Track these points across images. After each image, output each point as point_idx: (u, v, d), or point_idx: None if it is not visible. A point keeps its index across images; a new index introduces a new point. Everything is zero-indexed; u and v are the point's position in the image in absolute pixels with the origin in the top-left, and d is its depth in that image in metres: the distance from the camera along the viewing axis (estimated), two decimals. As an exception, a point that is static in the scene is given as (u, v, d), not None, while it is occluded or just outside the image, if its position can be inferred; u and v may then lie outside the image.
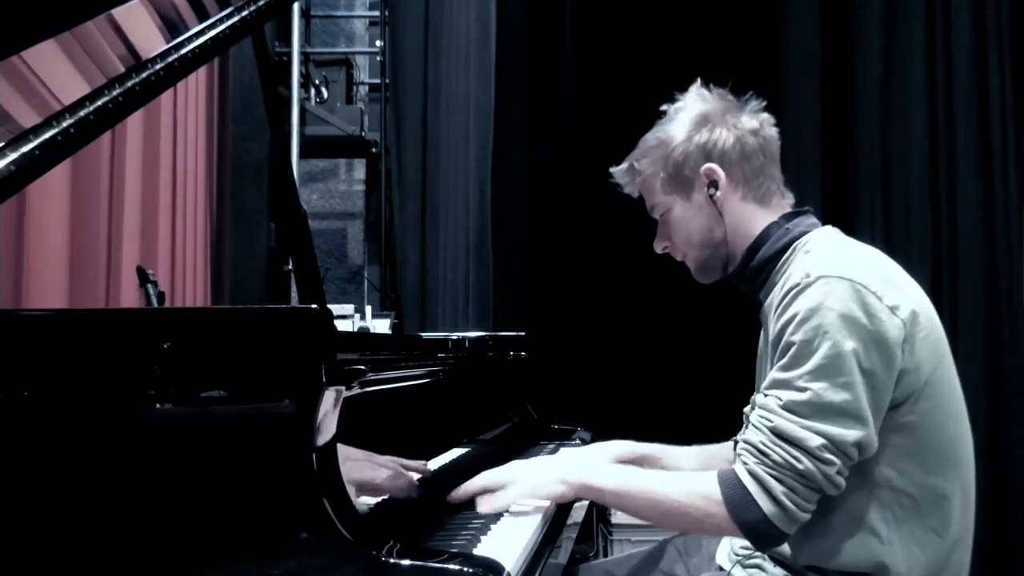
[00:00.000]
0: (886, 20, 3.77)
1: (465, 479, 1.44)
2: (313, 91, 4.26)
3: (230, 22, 1.30)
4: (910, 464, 1.38)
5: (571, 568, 1.75)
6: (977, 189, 3.64)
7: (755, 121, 1.55)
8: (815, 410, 1.32)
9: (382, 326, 3.47)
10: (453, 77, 3.92)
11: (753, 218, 1.54)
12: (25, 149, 0.99)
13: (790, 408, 1.34)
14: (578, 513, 1.66)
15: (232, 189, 3.59)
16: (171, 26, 1.33)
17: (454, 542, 1.23)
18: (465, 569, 0.98)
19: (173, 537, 1.00)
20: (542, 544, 1.30)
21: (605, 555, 3.23)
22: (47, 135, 1.01)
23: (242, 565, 1.00)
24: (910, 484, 1.38)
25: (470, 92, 3.88)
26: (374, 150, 4.28)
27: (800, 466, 1.32)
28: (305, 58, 4.26)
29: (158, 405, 1.01)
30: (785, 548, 1.46)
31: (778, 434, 1.34)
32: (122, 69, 1.15)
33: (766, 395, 1.38)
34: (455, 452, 1.77)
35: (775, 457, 1.33)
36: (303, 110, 4.11)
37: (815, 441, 1.31)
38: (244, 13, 1.33)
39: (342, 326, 2.87)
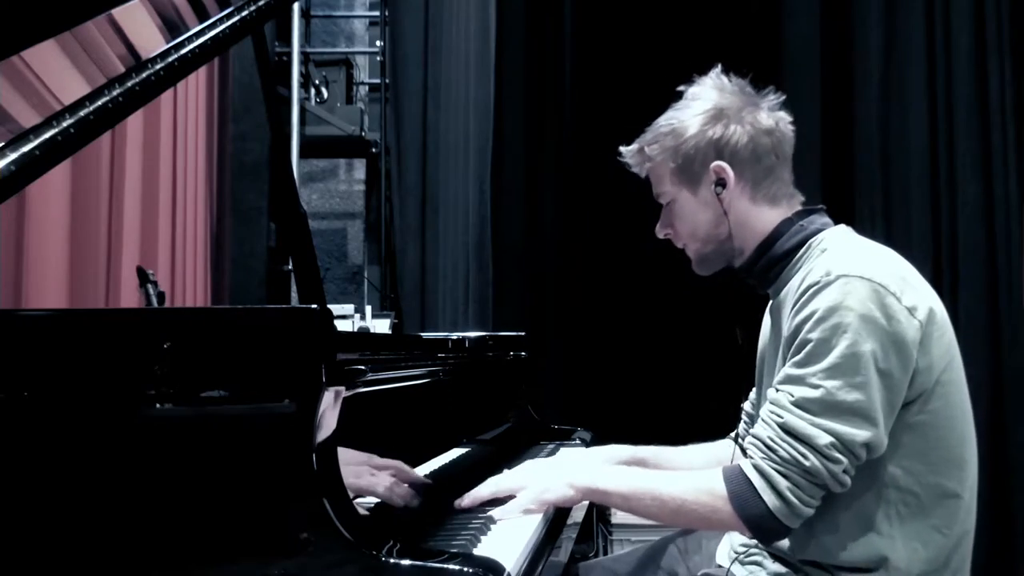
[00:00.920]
0: (886, 20, 3.77)
1: (465, 479, 1.44)
2: (313, 91, 4.26)
3: (230, 22, 1.30)
4: (918, 463, 1.39)
5: (571, 567, 1.75)
6: (977, 189, 3.64)
7: (771, 119, 1.53)
8: (826, 408, 1.32)
9: (382, 326, 3.47)
10: (453, 77, 3.92)
11: (762, 216, 1.52)
12: (25, 149, 0.99)
13: (801, 405, 1.34)
14: (578, 513, 1.66)
15: (232, 189, 3.59)
16: (171, 26, 1.33)
17: (454, 542, 1.23)
18: (465, 569, 0.98)
19: (174, 537, 1.00)
20: (542, 544, 1.30)
21: (605, 555, 3.23)
22: (47, 135, 1.01)
23: (242, 565, 1.00)
24: (916, 483, 1.39)
25: (470, 92, 3.88)
26: (374, 150, 4.28)
27: (806, 463, 1.32)
28: (305, 58, 4.26)
29: (158, 405, 1.01)
30: (786, 543, 1.46)
31: (787, 430, 1.34)
32: (122, 69, 1.15)
33: (778, 390, 1.38)
34: (455, 452, 1.77)
35: (782, 453, 1.33)
36: (303, 110, 4.11)
37: (824, 439, 1.31)
38: (244, 13, 1.33)
39: (342, 326, 2.86)
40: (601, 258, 3.95)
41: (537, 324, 3.77)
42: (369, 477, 1.27)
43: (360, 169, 4.47)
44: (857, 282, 1.34)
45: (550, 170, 3.95)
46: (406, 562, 0.97)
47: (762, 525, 1.35)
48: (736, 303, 1.85)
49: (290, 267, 3.89)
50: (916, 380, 1.36)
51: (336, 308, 3.31)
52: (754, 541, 1.56)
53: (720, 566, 1.60)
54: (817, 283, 1.36)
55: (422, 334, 3.33)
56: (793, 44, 3.83)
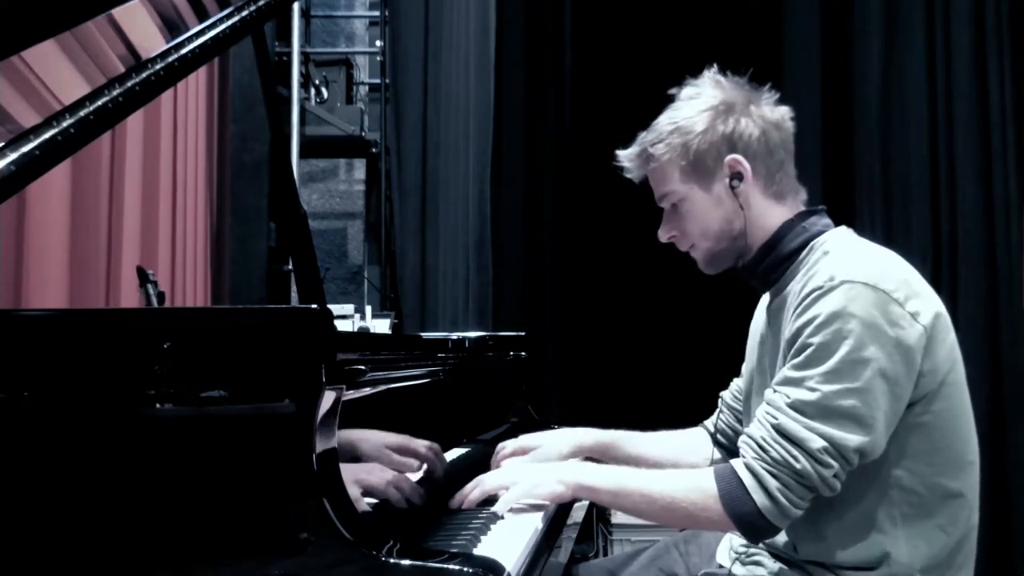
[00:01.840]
0: (886, 20, 3.77)
1: (465, 479, 1.44)
2: (313, 91, 4.26)
3: (230, 22, 1.30)
4: (921, 464, 1.39)
5: (570, 567, 1.75)
6: (977, 189, 3.64)
7: (777, 114, 1.52)
8: (821, 412, 1.32)
9: (382, 326, 3.47)
10: (453, 77, 3.92)
11: (770, 213, 1.51)
12: (25, 149, 0.99)
13: (797, 407, 1.34)
14: (578, 513, 1.66)
15: (232, 189, 3.59)
16: (171, 26, 1.33)
17: (454, 542, 1.23)
18: (465, 569, 0.98)
19: (174, 537, 1.00)
20: (542, 544, 1.30)
21: (605, 555, 3.23)
22: (47, 135, 1.01)
23: (242, 565, 1.00)
24: (920, 484, 1.39)
25: (470, 92, 3.88)
26: (374, 150, 4.28)
27: (797, 465, 1.32)
28: (305, 58, 4.26)
29: (158, 405, 1.01)
30: (788, 542, 1.47)
31: (780, 432, 1.34)
32: (122, 69, 1.15)
33: (775, 391, 1.38)
34: (455, 452, 1.77)
35: (773, 454, 1.34)
36: (303, 110, 4.11)
37: (816, 443, 1.31)
38: (244, 13, 1.33)
39: (342, 326, 2.87)
40: (601, 258, 3.95)
41: (537, 324, 3.77)
42: (380, 473, 1.28)
43: (360, 169, 4.47)
44: (860, 288, 1.34)
45: (550, 170, 3.95)
46: (406, 562, 0.97)
47: (751, 523, 1.35)
48: (736, 302, 1.85)
49: (290, 267, 3.89)
50: (920, 382, 1.36)
51: (336, 308, 3.31)
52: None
53: (721, 566, 1.60)
54: (820, 288, 1.35)
55: (422, 334, 3.33)
56: (793, 44, 3.83)
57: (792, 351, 1.38)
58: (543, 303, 3.89)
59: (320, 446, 1.01)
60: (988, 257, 3.61)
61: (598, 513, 3.30)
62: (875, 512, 1.38)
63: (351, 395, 1.13)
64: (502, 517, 1.37)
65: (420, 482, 1.42)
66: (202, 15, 1.32)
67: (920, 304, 1.37)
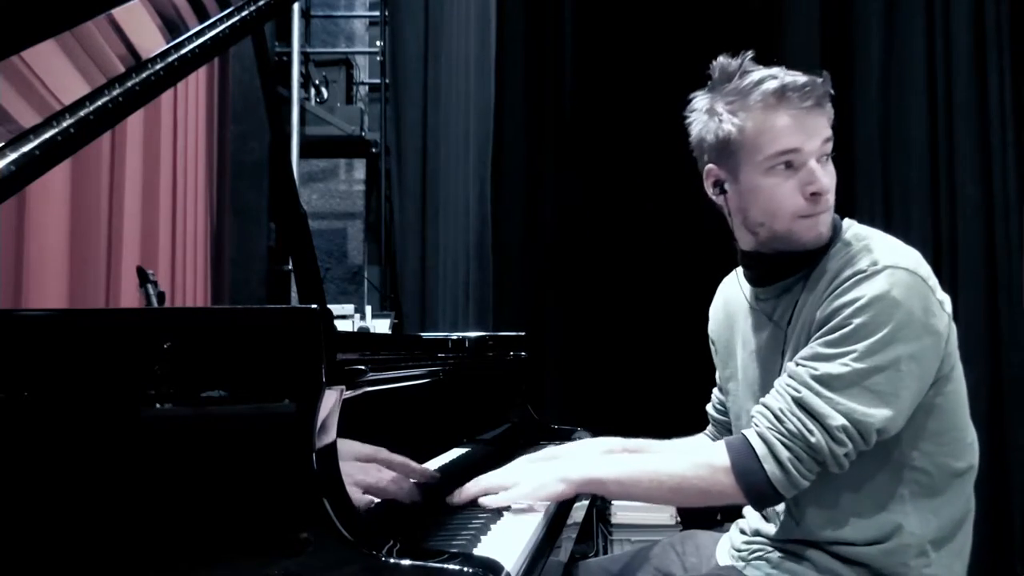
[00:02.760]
0: (886, 19, 3.77)
1: (465, 479, 1.44)
2: (313, 91, 4.26)
3: (230, 22, 1.30)
4: (931, 444, 1.43)
5: (570, 567, 1.75)
6: (977, 189, 3.64)
7: None
8: (849, 385, 1.35)
9: (382, 326, 3.47)
10: (453, 77, 3.92)
11: None
12: (25, 149, 0.99)
13: (823, 380, 1.36)
14: (578, 513, 1.66)
15: (232, 189, 3.59)
16: (171, 26, 1.33)
17: (454, 542, 1.23)
18: (465, 569, 0.98)
19: (173, 537, 1.00)
20: (542, 544, 1.30)
21: (605, 554, 3.23)
22: (47, 135, 1.01)
23: (242, 565, 1.00)
24: (929, 463, 1.43)
25: (470, 92, 3.88)
26: (374, 150, 4.28)
27: (812, 439, 1.34)
28: (305, 58, 4.26)
29: (158, 405, 1.01)
30: (796, 522, 1.48)
31: (801, 404, 1.36)
32: (122, 69, 1.15)
33: (800, 364, 1.40)
34: (455, 452, 1.77)
35: (789, 426, 1.36)
36: (303, 110, 4.12)
37: (836, 420, 1.34)
38: (244, 13, 1.33)
39: (342, 326, 2.87)
40: (601, 258, 3.95)
41: (537, 324, 3.77)
42: (376, 473, 1.27)
43: (360, 169, 4.48)
44: (903, 274, 1.38)
45: (550, 170, 3.95)
46: (406, 562, 0.97)
47: (760, 492, 1.38)
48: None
49: (290, 267, 3.89)
50: (939, 366, 1.41)
51: (336, 308, 3.32)
52: (757, 536, 1.57)
53: (732, 566, 1.60)
54: (864, 271, 1.38)
55: (422, 334, 3.33)
56: (793, 44, 3.83)
57: (825, 329, 1.39)
58: (543, 303, 3.89)
59: (320, 446, 1.01)
60: (988, 257, 3.61)
61: (598, 513, 3.30)
62: (887, 490, 1.42)
63: (351, 395, 1.13)
64: (502, 516, 1.37)
65: (420, 482, 1.42)
66: (202, 15, 1.32)
67: (943, 294, 1.43)
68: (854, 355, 1.35)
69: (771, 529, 1.55)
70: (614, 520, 3.27)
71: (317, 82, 4.27)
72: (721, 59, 1.50)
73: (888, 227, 3.89)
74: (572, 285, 3.93)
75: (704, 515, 2.42)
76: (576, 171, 3.93)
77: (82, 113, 1.05)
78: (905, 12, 3.76)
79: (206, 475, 1.00)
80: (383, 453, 1.30)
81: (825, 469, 1.37)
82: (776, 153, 1.43)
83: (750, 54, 1.50)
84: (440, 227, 3.88)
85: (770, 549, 1.53)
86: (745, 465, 1.37)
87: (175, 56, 1.19)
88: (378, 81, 4.24)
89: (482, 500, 1.38)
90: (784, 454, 1.35)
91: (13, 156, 0.98)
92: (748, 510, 1.62)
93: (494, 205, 3.84)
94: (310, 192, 4.44)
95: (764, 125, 1.43)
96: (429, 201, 3.92)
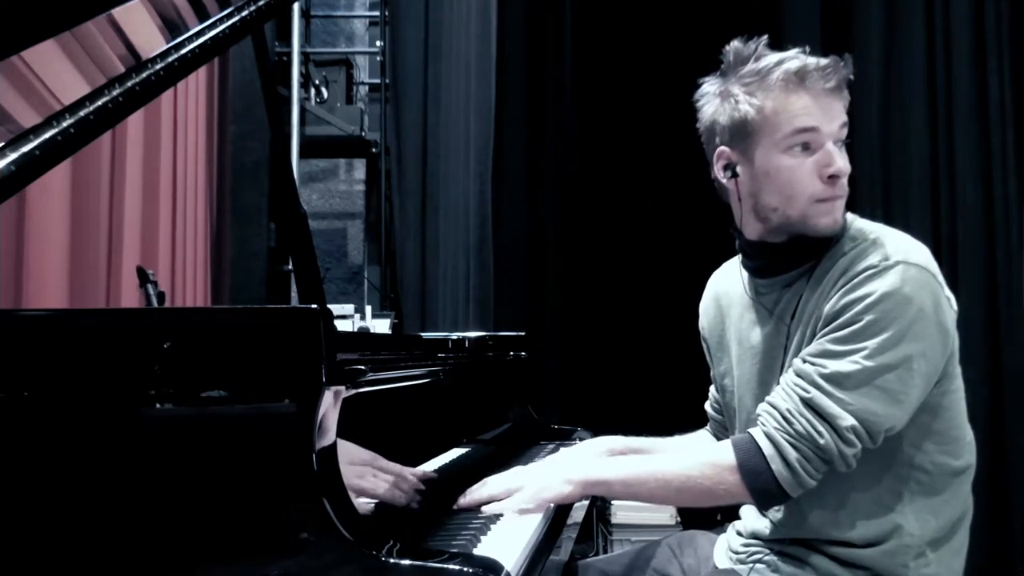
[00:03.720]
0: (886, 20, 3.77)
1: (465, 479, 1.44)
2: (313, 91, 4.26)
3: (230, 22, 1.30)
4: (930, 442, 1.42)
5: (570, 567, 1.75)
6: (977, 189, 3.64)
7: None
8: (860, 384, 1.33)
9: (382, 326, 3.47)
10: (453, 77, 3.92)
11: None
12: (25, 149, 0.99)
13: (834, 379, 1.34)
14: (578, 513, 1.66)
15: (232, 189, 3.59)
16: (171, 26, 1.33)
17: (454, 542, 1.22)
18: (465, 569, 0.98)
19: (173, 537, 1.00)
20: (542, 544, 1.30)
21: (605, 554, 3.23)
22: (47, 135, 1.01)
23: (242, 565, 1.00)
24: (929, 462, 1.42)
25: (470, 92, 3.88)
26: (374, 150, 4.28)
27: (821, 440, 1.34)
28: (305, 58, 4.26)
29: (158, 405, 1.01)
30: (795, 522, 1.48)
31: (809, 405, 1.35)
32: (122, 69, 1.15)
33: (808, 362, 1.38)
34: (455, 452, 1.77)
35: (798, 427, 1.35)
36: (303, 110, 4.12)
37: (846, 421, 1.33)
38: (244, 13, 1.33)
39: (342, 326, 2.86)
40: (601, 258, 3.95)
41: (537, 324, 3.77)
42: (371, 478, 1.27)
43: (360, 169, 4.48)
44: (915, 270, 1.36)
45: (550, 170, 3.95)
46: (406, 562, 0.97)
47: (766, 490, 1.37)
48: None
49: (290, 267, 3.89)
50: (946, 364, 1.40)
51: (336, 308, 3.32)
52: (754, 539, 1.56)
53: (732, 569, 1.59)
54: (875, 267, 1.37)
55: (422, 334, 3.32)
56: (793, 42, 3.82)
57: (833, 325, 1.38)
58: (543, 303, 3.89)
59: (320, 446, 1.01)
60: (988, 257, 3.61)
61: (598, 513, 3.30)
62: (887, 489, 1.42)
63: (351, 395, 1.13)
64: (502, 516, 1.37)
65: (421, 482, 1.42)
66: (202, 15, 1.32)
67: (949, 290, 1.41)
68: (865, 352, 1.34)
69: (768, 531, 1.54)
70: (614, 520, 3.27)
71: (317, 82, 4.27)
72: (735, 43, 1.49)
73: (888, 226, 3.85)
74: (572, 285, 3.93)
75: (704, 515, 2.41)
76: (576, 171, 3.93)
77: (82, 113, 1.05)
78: (905, 12, 3.76)
79: (206, 475, 1.00)
80: (379, 461, 1.30)
81: (833, 468, 1.36)
82: (795, 131, 1.42)
83: (764, 39, 1.49)
84: (440, 227, 3.88)
85: (767, 552, 1.53)
86: (752, 465, 1.36)
87: (175, 56, 1.19)
88: (378, 81, 4.24)
89: (489, 508, 1.38)
90: (792, 454, 1.34)
91: (13, 156, 0.98)
92: (745, 511, 1.61)
93: (494, 205, 3.84)
94: (310, 192, 4.44)
95: (784, 104, 1.42)
96: (429, 201, 3.91)
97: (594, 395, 3.78)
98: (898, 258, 1.36)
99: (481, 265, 3.82)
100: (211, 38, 1.26)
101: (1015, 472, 3.51)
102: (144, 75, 1.14)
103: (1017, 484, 3.51)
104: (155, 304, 2.08)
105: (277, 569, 0.98)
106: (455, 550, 1.12)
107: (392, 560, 0.97)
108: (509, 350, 2.26)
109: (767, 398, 1.42)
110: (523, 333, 2.33)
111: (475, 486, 1.42)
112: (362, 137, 4.26)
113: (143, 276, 2.12)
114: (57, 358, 1.04)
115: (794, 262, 1.49)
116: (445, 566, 0.98)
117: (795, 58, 1.44)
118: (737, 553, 1.58)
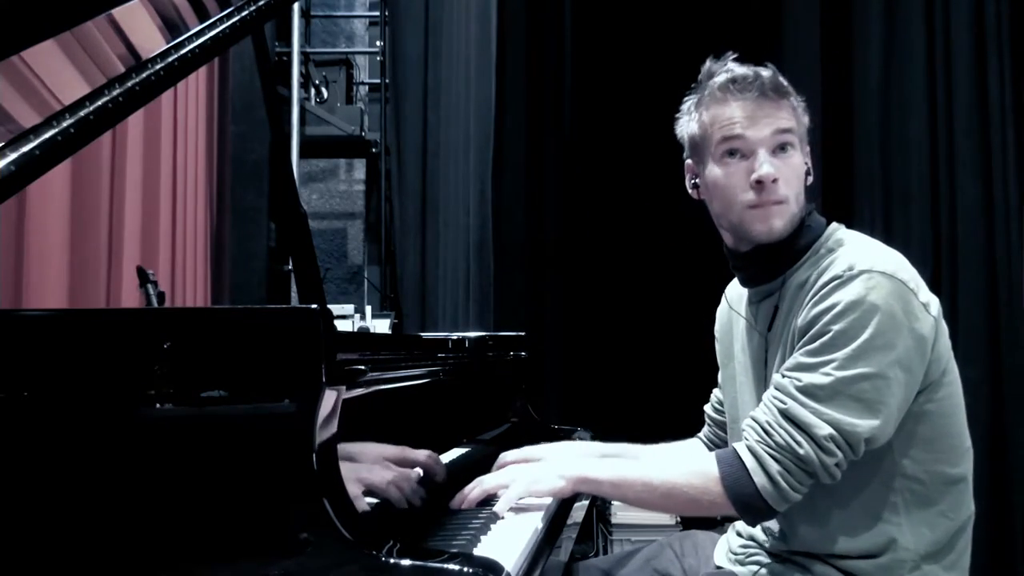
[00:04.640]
0: (886, 20, 3.77)
1: (465, 479, 1.44)
2: (313, 91, 4.26)
3: (230, 22, 1.30)
4: (923, 452, 1.41)
5: (570, 566, 1.75)
6: (977, 189, 3.64)
7: None
8: (833, 395, 1.33)
9: (382, 326, 3.47)
10: (453, 77, 3.92)
11: None
12: (25, 149, 0.99)
13: (808, 391, 1.34)
14: (578, 513, 1.66)
15: (232, 189, 3.59)
16: (171, 26, 1.33)
17: (454, 542, 1.23)
18: (465, 569, 0.98)
19: (173, 537, 1.00)
20: (542, 544, 1.30)
21: (605, 555, 3.23)
22: (47, 135, 1.01)
23: (242, 565, 1.00)
24: (922, 471, 1.41)
25: (470, 92, 3.88)
26: (374, 150, 4.28)
27: (800, 450, 1.33)
28: (305, 58, 4.26)
29: (158, 405, 1.01)
30: (781, 530, 1.47)
31: (787, 416, 1.35)
32: (122, 69, 1.15)
33: (785, 376, 1.39)
34: (455, 452, 1.77)
35: (777, 438, 1.35)
36: (303, 110, 4.11)
37: (823, 430, 1.32)
38: (244, 13, 1.33)
39: (342, 326, 2.86)
40: (601, 258, 3.95)
41: (537, 324, 3.77)
42: (371, 472, 1.27)
43: (360, 169, 4.48)
44: (880, 278, 1.35)
45: (550, 170, 3.95)
46: (406, 562, 0.97)
47: (750, 505, 1.37)
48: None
49: (290, 267, 3.89)
50: (928, 371, 1.39)
51: (336, 308, 3.32)
52: (752, 541, 1.57)
53: (719, 567, 1.60)
54: (840, 277, 1.37)
55: (422, 334, 3.32)
56: (793, 44, 3.83)
57: (806, 338, 1.38)
58: (543, 303, 3.89)
59: (320, 446, 1.01)
60: (988, 257, 3.61)
61: (598, 513, 3.30)
62: (879, 500, 1.40)
63: (351, 395, 1.13)
64: (502, 517, 1.37)
65: (420, 482, 1.42)
66: (202, 15, 1.32)
67: (928, 295, 1.40)
68: (835, 364, 1.34)
69: (765, 541, 1.54)
70: (614, 520, 3.28)
71: (317, 82, 4.27)
72: (708, 61, 1.54)
73: (888, 228, 3.90)
74: (572, 285, 3.93)
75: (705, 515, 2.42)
76: (576, 171, 3.93)
77: (82, 113, 1.05)
78: (905, 12, 3.76)
79: (206, 475, 1.00)
80: (380, 446, 1.30)
81: (817, 480, 1.36)
82: (721, 139, 1.47)
83: (732, 55, 1.53)
84: (440, 227, 3.88)
85: (765, 553, 1.53)
86: (735, 478, 1.36)
87: (175, 56, 1.19)
88: (378, 81, 4.24)
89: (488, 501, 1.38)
90: (774, 467, 1.34)
91: (13, 156, 0.98)
92: None
93: (494, 205, 3.84)
94: (310, 192, 4.44)
95: (714, 116, 1.48)
96: (429, 201, 3.92)
97: (594, 395, 3.78)
98: (863, 267, 1.36)
99: (481, 265, 3.82)
100: (211, 38, 1.26)
101: (1016, 472, 3.51)
102: (144, 75, 1.14)
103: (1018, 484, 3.51)
104: (155, 304, 2.08)
105: (277, 569, 0.98)
106: (455, 550, 1.12)
107: (392, 560, 0.97)
108: (509, 350, 2.26)
109: (751, 413, 1.43)
110: (523, 333, 2.34)
111: (469, 486, 1.43)
112: (362, 137, 4.26)
113: (143, 276, 2.12)
114: (57, 358, 1.04)
115: (763, 272, 1.52)
116: (445, 566, 0.98)
117: (728, 71, 1.49)
118: (736, 554, 1.58)
